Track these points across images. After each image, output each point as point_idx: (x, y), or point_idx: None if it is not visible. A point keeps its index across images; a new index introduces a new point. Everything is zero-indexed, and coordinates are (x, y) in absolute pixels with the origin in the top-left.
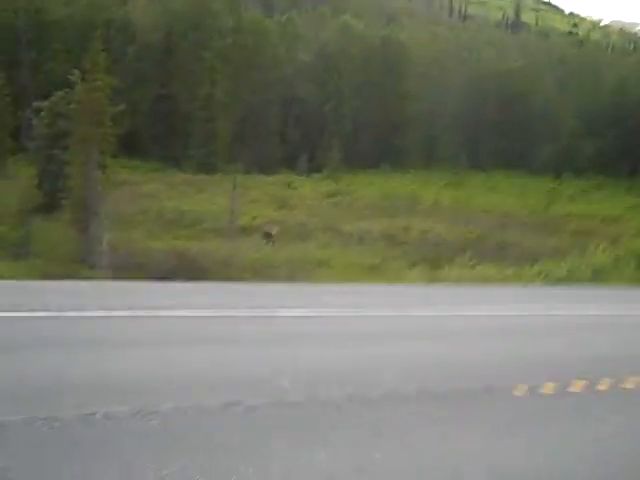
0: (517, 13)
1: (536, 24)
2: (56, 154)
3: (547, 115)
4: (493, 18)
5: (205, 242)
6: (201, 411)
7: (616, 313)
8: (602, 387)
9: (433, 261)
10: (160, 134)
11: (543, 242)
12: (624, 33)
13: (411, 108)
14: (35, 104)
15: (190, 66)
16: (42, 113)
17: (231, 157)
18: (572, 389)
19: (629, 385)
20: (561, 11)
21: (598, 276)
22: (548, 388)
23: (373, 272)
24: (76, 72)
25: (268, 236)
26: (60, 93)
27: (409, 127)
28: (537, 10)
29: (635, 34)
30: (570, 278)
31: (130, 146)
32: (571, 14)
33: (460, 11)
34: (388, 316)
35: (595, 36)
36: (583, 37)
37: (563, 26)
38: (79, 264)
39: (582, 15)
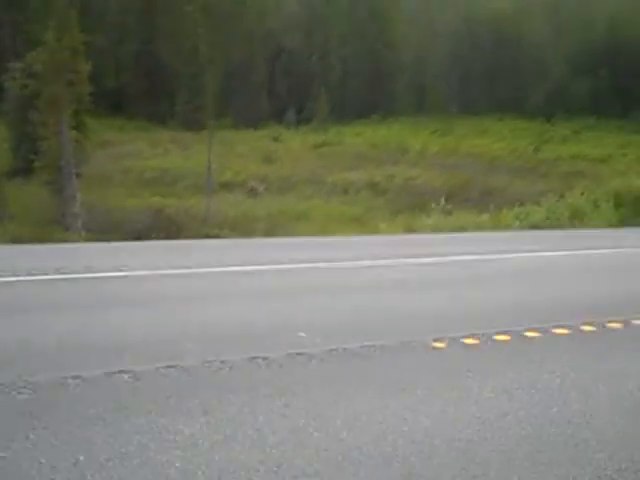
0: None
1: None
2: (30, 116)
3: (539, 57)
4: None
5: (185, 200)
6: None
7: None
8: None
9: (414, 209)
10: (145, 91)
11: (530, 186)
12: None
13: (400, 55)
14: (10, 65)
15: (173, 20)
16: (16, 74)
17: (218, 113)
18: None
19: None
20: None
21: (577, 218)
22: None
23: (354, 223)
24: (49, 31)
25: (253, 191)
26: (33, 53)
27: (398, 75)
28: None
29: None
30: (548, 221)
31: (115, 105)
32: None
33: None
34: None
35: None
36: None
37: None
38: (54, 226)
39: None
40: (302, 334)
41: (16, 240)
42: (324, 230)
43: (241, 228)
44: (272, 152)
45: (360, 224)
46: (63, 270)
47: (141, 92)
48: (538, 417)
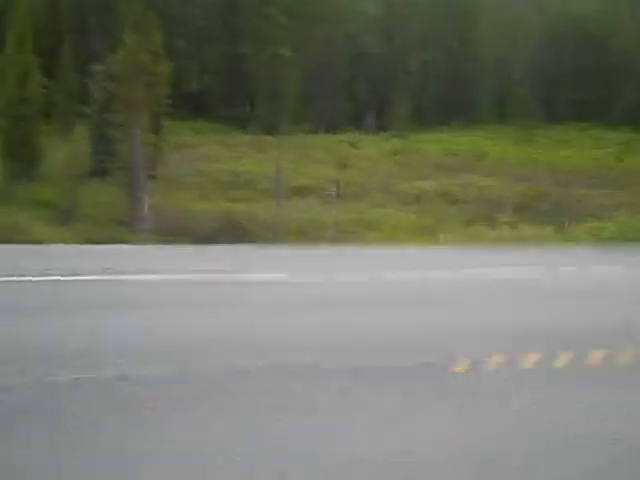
0: None
1: None
2: (110, 118)
3: (626, 61)
4: None
5: (257, 204)
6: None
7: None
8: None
9: (485, 220)
10: (227, 95)
11: (609, 198)
12: None
13: (481, 59)
14: (92, 67)
15: (255, 23)
16: (98, 77)
17: (298, 116)
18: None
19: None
20: None
21: None
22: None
23: (423, 232)
24: (128, 34)
25: (332, 195)
26: (116, 55)
27: (480, 80)
28: None
29: None
30: (621, 236)
31: (196, 108)
32: None
33: None
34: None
35: None
36: None
37: None
38: (123, 228)
39: None
40: None
41: (85, 240)
42: (392, 239)
43: (308, 235)
44: (347, 158)
45: (429, 234)
46: (110, 271)
47: (222, 95)
48: None
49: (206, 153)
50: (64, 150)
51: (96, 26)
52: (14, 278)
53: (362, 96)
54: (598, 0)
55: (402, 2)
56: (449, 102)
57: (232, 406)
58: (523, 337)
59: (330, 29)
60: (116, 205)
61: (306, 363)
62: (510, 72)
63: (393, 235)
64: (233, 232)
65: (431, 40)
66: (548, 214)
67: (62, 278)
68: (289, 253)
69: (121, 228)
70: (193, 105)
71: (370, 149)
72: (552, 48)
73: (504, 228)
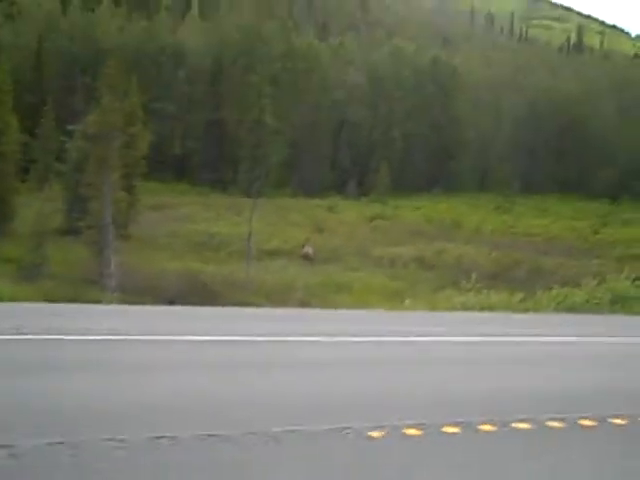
0: (580, 36)
1: (600, 47)
2: (83, 177)
3: (605, 138)
4: (557, 42)
5: (227, 265)
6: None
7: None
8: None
9: (455, 286)
10: (210, 158)
11: (583, 267)
12: None
13: (463, 132)
14: (70, 127)
15: (239, 91)
16: (75, 135)
17: (280, 181)
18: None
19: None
20: (627, 34)
21: (618, 303)
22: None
23: (394, 297)
24: (106, 95)
25: (307, 257)
26: (92, 116)
27: (461, 151)
28: (602, 33)
29: None
30: (587, 305)
31: (181, 170)
32: (638, 37)
33: (521, 34)
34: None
35: None
36: None
37: (629, 49)
38: (90, 286)
39: None
40: None
41: (49, 298)
42: (362, 302)
43: (277, 297)
44: (324, 222)
45: (399, 298)
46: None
47: (205, 159)
48: None
49: (185, 214)
50: (37, 207)
51: (80, 86)
52: None
53: (345, 162)
54: (577, 81)
55: (387, 75)
56: (430, 171)
57: None
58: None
59: (315, 98)
60: (84, 263)
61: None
62: (491, 145)
63: (363, 298)
64: (200, 292)
65: (414, 112)
66: (521, 281)
67: (31, 337)
68: (245, 314)
69: (87, 286)
70: (177, 167)
71: (349, 214)
72: (533, 123)
73: (469, 295)
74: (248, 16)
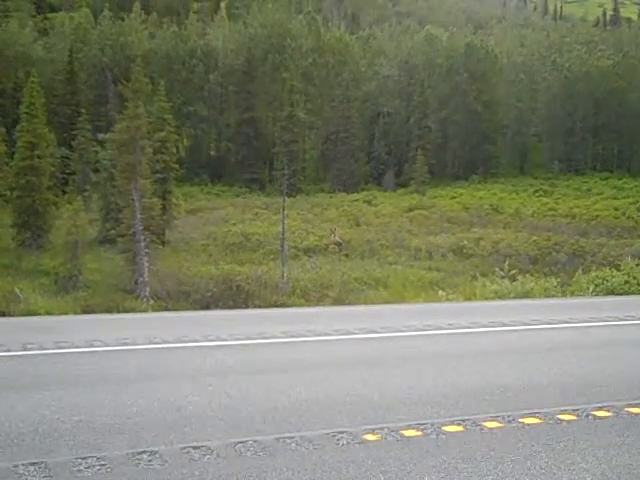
0: (616, 9)
1: (639, 19)
2: (116, 185)
3: None
4: (592, 17)
5: (264, 265)
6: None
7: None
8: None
9: (493, 274)
10: (245, 158)
11: (625, 247)
12: None
13: (500, 116)
14: (101, 136)
15: (271, 88)
16: (107, 145)
17: (317, 178)
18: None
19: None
20: None
21: None
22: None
23: (431, 289)
24: (140, 103)
25: (339, 245)
26: (122, 124)
27: (499, 135)
28: None
29: None
30: (627, 286)
31: (217, 172)
32: None
33: (555, 12)
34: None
35: None
36: None
37: None
38: (125, 295)
39: None
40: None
41: (86, 310)
42: (398, 296)
43: (312, 295)
44: (360, 216)
45: (436, 290)
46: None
47: (241, 159)
48: None
49: (221, 216)
50: (74, 219)
51: (113, 95)
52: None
53: (381, 155)
54: (614, 56)
55: (419, 64)
56: (468, 158)
57: None
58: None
59: (347, 91)
60: (119, 272)
61: None
62: (529, 127)
63: (399, 292)
64: (235, 295)
65: (449, 99)
66: (562, 264)
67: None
68: (276, 315)
69: (122, 295)
70: (213, 169)
71: (386, 206)
72: (570, 102)
73: (504, 282)
74: (276, 13)
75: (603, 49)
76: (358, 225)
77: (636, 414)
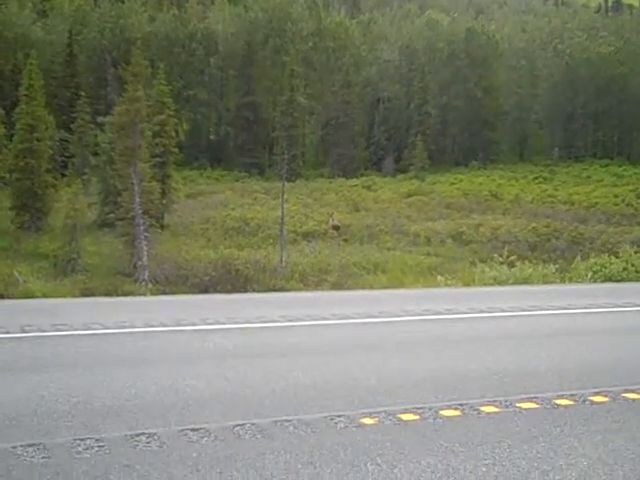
0: None
1: None
2: (116, 169)
3: None
4: (594, 2)
5: (262, 250)
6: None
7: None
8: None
9: (491, 260)
10: (245, 143)
11: (624, 234)
12: None
13: (500, 102)
14: (100, 119)
15: (271, 72)
16: (106, 128)
17: (317, 162)
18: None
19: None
20: None
21: None
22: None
23: (429, 274)
24: (139, 86)
25: (337, 228)
26: (122, 107)
27: (499, 121)
28: None
29: None
30: (625, 273)
31: (217, 156)
32: None
33: None
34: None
35: None
36: None
37: None
38: (123, 278)
39: None
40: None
41: (84, 293)
42: (397, 281)
43: (311, 280)
44: (360, 201)
45: (435, 275)
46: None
47: (241, 144)
48: None
49: (221, 200)
50: (72, 202)
51: (112, 78)
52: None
53: (380, 140)
54: (615, 42)
55: (420, 49)
56: (468, 144)
57: None
58: None
59: (347, 76)
60: (118, 256)
61: None
62: (529, 113)
63: (397, 277)
64: (233, 279)
65: (450, 85)
66: (561, 250)
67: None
68: (272, 299)
69: (121, 278)
70: (212, 153)
71: (385, 192)
72: (571, 89)
73: (502, 268)
74: None
75: (604, 35)
76: (357, 210)
77: (633, 399)
